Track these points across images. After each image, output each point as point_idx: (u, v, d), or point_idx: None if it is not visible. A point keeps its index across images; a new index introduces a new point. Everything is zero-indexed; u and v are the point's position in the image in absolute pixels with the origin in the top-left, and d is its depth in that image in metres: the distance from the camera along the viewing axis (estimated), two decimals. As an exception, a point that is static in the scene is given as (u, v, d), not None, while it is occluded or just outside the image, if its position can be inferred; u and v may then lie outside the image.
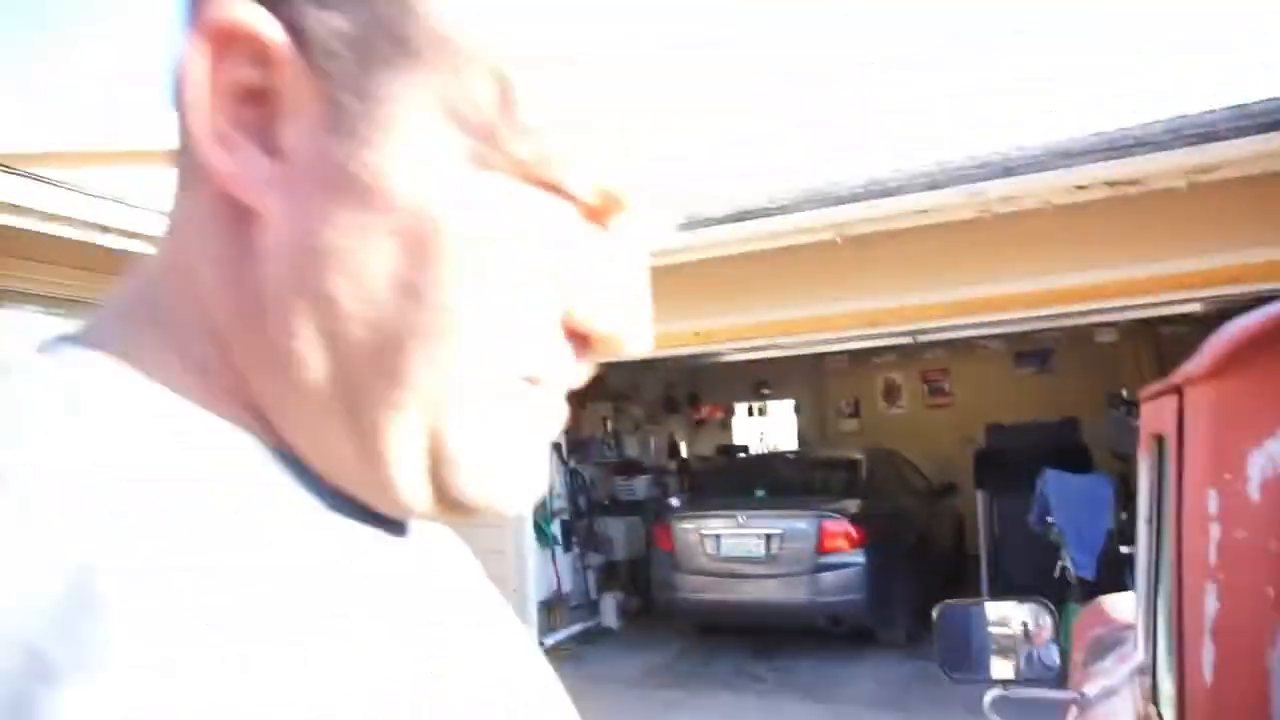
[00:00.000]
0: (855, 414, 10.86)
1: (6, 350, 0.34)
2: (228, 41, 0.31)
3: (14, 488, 0.26)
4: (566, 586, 7.22)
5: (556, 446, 7.34)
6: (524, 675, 0.43)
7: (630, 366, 7.99)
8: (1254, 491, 0.81)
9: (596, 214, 0.34)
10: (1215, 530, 0.84)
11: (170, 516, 0.28)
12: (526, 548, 6.42)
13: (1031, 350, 9.61)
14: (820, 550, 5.91)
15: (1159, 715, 1.36)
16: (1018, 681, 1.76)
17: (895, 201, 4.30)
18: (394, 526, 0.37)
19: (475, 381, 0.33)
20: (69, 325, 0.35)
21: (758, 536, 6.14)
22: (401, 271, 0.31)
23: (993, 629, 1.78)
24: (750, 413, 12.28)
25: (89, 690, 0.23)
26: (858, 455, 7.20)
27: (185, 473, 0.30)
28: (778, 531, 6.09)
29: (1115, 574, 5.70)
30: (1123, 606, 2.50)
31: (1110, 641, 2.07)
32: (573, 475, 7.71)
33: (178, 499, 0.29)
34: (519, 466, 0.36)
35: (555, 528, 7.21)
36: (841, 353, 9.20)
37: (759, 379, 11.23)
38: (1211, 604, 0.83)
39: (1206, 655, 0.83)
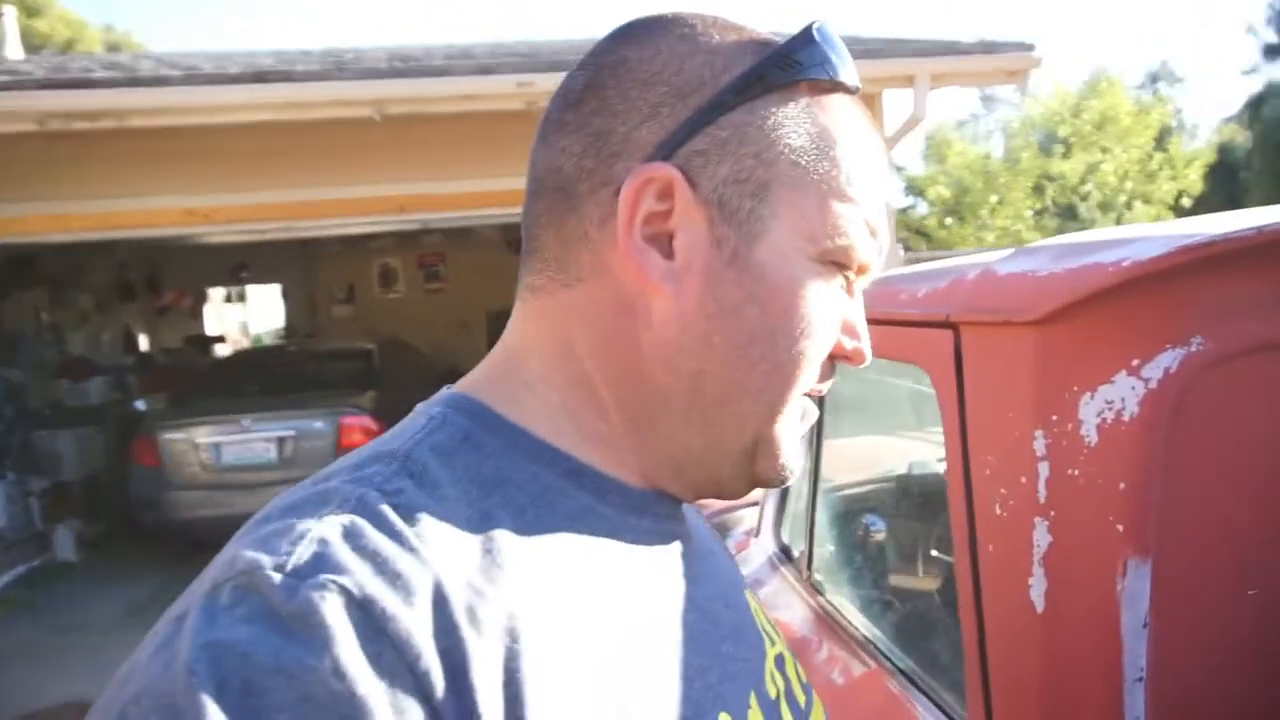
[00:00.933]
0: (350, 300, 10.37)
1: (424, 408, 0.51)
2: (645, 184, 0.47)
3: (441, 493, 0.44)
4: (1, 520, 5.74)
5: (-26, 348, 5.65)
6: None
7: (73, 245, 6.42)
8: (1090, 434, 0.87)
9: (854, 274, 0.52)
10: (1044, 469, 0.89)
11: (530, 514, 0.46)
12: (-59, 483, 4.90)
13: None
14: (341, 449, 5.57)
15: (833, 605, 1.51)
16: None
17: (442, 82, 4.01)
18: (676, 511, 0.55)
19: (793, 397, 0.51)
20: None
21: (267, 440, 5.55)
22: (761, 326, 0.49)
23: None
24: (228, 299, 10.94)
25: (500, 605, 0.40)
26: (369, 345, 6.90)
27: (541, 484, 0.48)
28: (290, 433, 5.57)
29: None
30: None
31: (717, 526, 2.26)
32: (-3, 382, 6.05)
33: (537, 503, 0.47)
34: (798, 449, 0.54)
35: (-20, 451, 5.63)
36: (333, 236, 8.60)
37: (237, 261, 10.00)
38: (1042, 537, 0.89)
39: (1036, 585, 0.89)
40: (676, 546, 0.54)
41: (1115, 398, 0.86)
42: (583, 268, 0.50)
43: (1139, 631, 0.82)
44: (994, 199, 13.01)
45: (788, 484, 0.54)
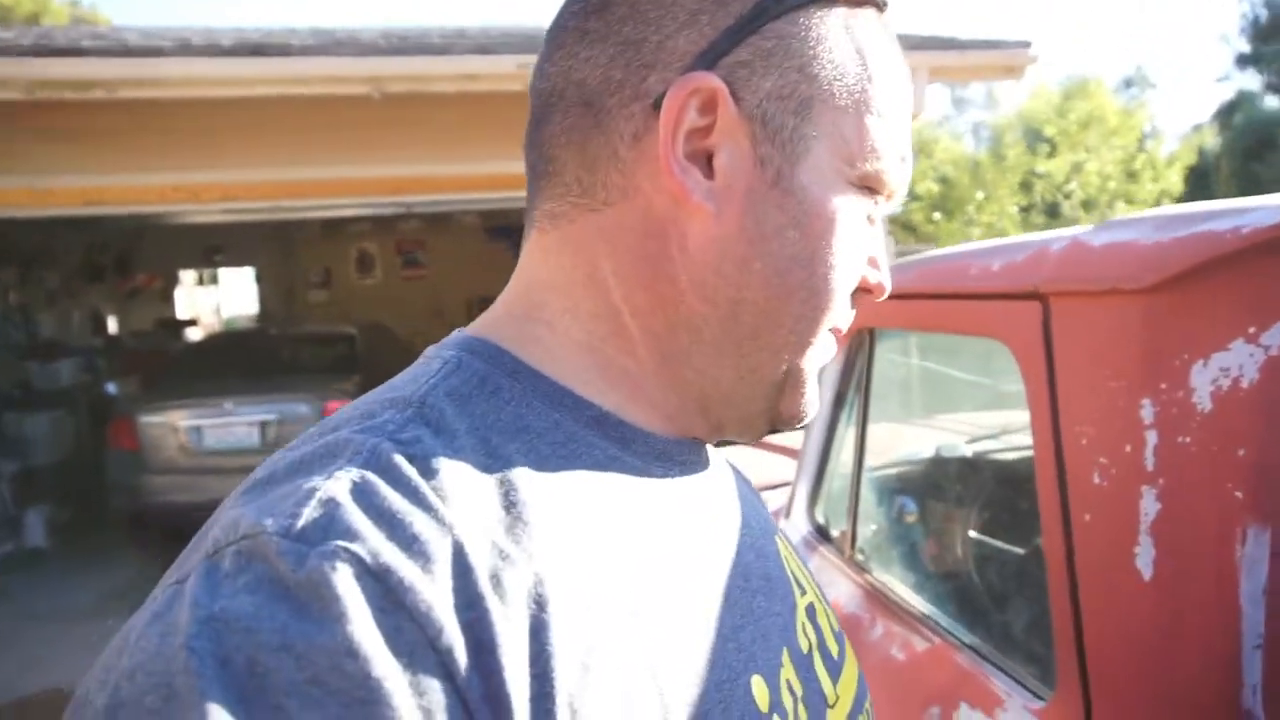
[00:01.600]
0: (326, 284, 10.21)
1: (434, 351, 0.48)
2: (690, 96, 0.44)
3: (458, 442, 0.41)
4: (-31, 505, 5.58)
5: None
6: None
7: (41, 223, 6.24)
8: (1203, 401, 0.86)
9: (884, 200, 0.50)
10: (1152, 437, 0.89)
11: (552, 465, 0.43)
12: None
13: (502, 226, 10.03)
14: (326, 434, 5.48)
15: (881, 582, 1.50)
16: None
17: (442, 61, 3.95)
18: (702, 458, 0.53)
19: (824, 328, 0.49)
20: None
21: (249, 425, 5.45)
22: (802, 251, 0.46)
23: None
24: (200, 281, 10.74)
25: (526, 569, 0.37)
26: (351, 330, 6.80)
27: (564, 433, 0.45)
28: (274, 418, 5.46)
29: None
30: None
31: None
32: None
33: (560, 453, 0.44)
34: (818, 387, 0.52)
35: (-52, 432, 5.46)
36: (313, 219, 8.46)
37: (210, 243, 9.80)
38: (1150, 505, 0.89)
39: (1143, 553, 0.89)
40: (704, 496, 0.52)
41: (1231, 365, 0.85)
42: (611, 189, 0.46)
43: (1258, 598, 0.82)
44: (980, 195, 13.18)
45: (805, 424, 0.52)
